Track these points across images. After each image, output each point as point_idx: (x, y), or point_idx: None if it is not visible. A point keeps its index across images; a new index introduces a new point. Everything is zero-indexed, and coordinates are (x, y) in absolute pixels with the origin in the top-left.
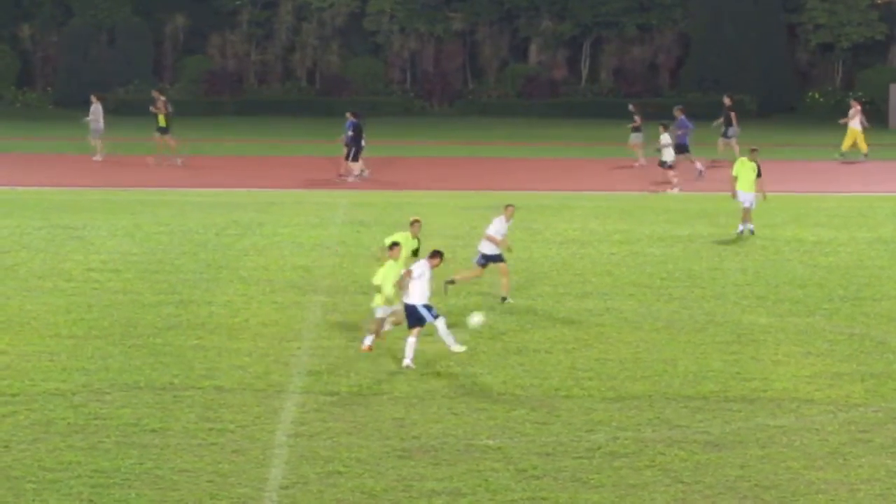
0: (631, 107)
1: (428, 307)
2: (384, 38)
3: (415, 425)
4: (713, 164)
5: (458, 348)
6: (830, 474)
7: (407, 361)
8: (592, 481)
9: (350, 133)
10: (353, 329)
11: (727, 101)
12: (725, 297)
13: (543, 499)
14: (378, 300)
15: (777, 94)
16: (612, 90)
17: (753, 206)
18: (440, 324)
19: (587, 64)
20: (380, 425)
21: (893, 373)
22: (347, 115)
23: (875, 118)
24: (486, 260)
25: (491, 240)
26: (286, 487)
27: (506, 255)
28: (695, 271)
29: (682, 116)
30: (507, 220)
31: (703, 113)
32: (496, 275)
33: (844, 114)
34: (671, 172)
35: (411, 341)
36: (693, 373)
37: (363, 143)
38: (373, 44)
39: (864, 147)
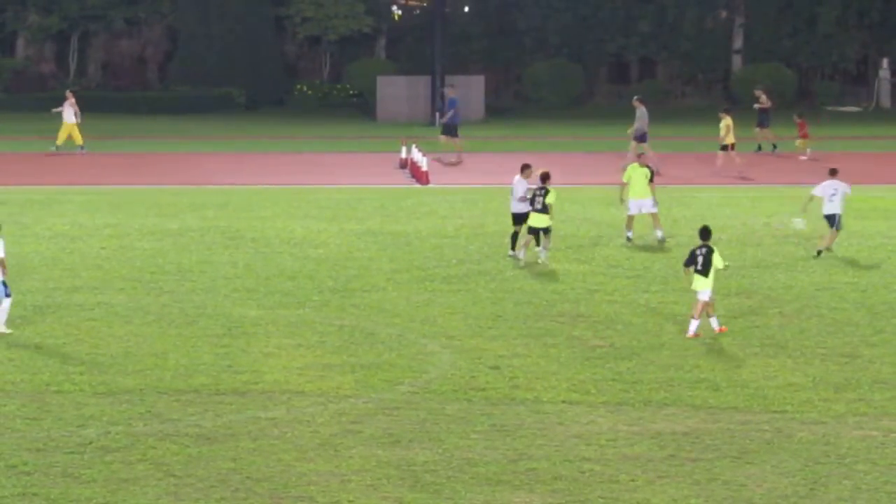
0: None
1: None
2: None
3: None
4: None
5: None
6: (322, 465)
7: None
8: (84, 476)
9: None
10: None
11: None
12: (216, 290)
13: (35, 494)
14: (697, 284)
15: (266, 87)
16: (101, 84)
17: (656, 210)
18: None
19: (75, 58)
20: None
21: (382, 364)
22: None
23: (363, 111)
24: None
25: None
26: None
27: None
28: (185, 265)
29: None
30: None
31: (190, 107)
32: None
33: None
34: None
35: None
36: (184, 366)
37: None
38: None
39: (78, 139)
